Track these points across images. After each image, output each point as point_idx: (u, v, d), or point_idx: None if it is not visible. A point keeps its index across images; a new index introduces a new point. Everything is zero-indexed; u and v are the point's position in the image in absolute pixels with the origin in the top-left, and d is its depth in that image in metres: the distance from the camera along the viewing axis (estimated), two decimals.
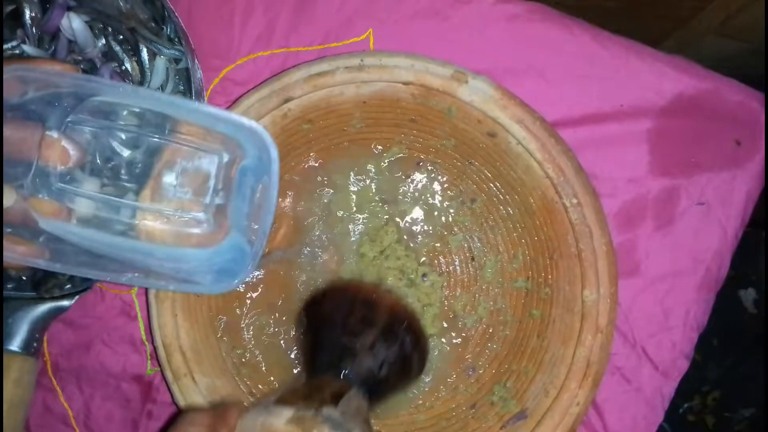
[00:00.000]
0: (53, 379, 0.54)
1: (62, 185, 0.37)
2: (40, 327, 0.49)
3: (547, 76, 0.50)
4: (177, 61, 0.51)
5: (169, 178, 0.39)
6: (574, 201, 0.42)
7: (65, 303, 0.50)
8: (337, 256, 0.51)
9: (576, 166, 0.43)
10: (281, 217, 0.50)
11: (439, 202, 0.50)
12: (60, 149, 0.36)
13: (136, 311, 0.54)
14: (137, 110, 0.38)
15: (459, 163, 0.48)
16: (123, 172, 0.39)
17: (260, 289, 0.50)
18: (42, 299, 0.49)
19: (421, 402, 0.48)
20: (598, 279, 0.42)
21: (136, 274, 0.39)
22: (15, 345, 0.48)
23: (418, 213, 0.50)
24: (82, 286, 0.50)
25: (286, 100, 0.45)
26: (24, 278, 0.50)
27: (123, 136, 0.38)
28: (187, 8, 0.53)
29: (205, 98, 0.52)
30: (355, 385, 0.39)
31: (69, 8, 0.50)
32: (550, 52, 0.50)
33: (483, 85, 0.43)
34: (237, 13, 0.53)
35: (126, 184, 0.39)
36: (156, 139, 0.39)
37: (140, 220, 0.39)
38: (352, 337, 0.42)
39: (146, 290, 0.48)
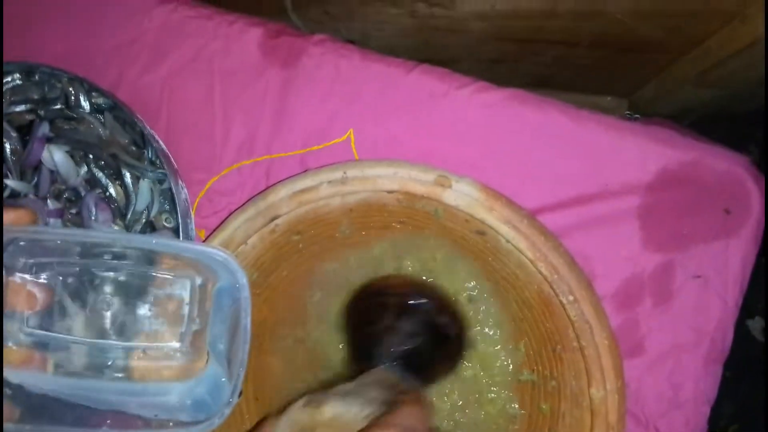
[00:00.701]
0: None
1: (31, 330, 0.36)
2: None
3: (529, 162, 0.50)
4: (161, 181, 0.51)
5: (143, 310, 0.39)
6: (571, 298, 0.42)
7: None
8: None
9: (569, 261, 0.43)
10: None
11: None
12: (26, 294, 0.35)
13: None
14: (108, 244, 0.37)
15: (452, 260, 0.48)
16: (100, 309, 0.38)
17: None
18: None
19: None
20: (603, 375, 0.42)
21: (111, 426, 0.36)
22: None
23: None
24: None
25: (273, 218, 0.45)
26: None
27: (96, 274, 0.37)
28: (165, 125, 0.54)
29: (192, 214, 0.52)
30: (386, 363, 0.41)
31: (48, 140, 0.50)
32: (531, 137, 0.50)
33: (467, 187, 0.43)
34: (217, 126, 0.53)
35: (105, 322, 0.38)
36: (131, 271, 0.38)
37: (117, 358, 0.38)
38: (372, 325, 0.45)
39: None
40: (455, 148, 0.51)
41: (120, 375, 0.37)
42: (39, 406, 0.35)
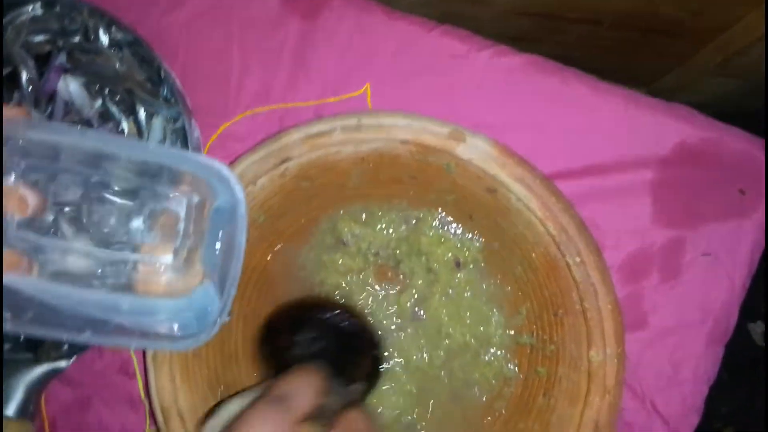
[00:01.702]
0: None
1: (20, 234, 0.35)
2: (36, 390, 0.49)
3: (546, 129, 0.50)
4: (174, 120, 0.51)
5: (137, 222, 0.38)
6: (577, 259, 0.42)
7: (62, 364, 0.49)
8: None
9: (578, 223, 0.42)
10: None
11: (442, 255, 0.49)
12: (17, 197, 0.34)
13: (134, 369, 0.53)
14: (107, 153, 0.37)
15: (461, 218, 0.48)
16: (93, 218, 0.37)
17: None
18: (38, 361, 0.49)
19: None
20: (604, 339, 0.42)
21: (95, 333, 0.36)
22: (11, 410, 0.47)
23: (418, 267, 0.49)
24: (79, 345, 0.49)
25: (284, 161, 0.45)
26: (21, 338, 0.49)
27: (92, 181, 0.37)
28: (182, 67, 0.53)
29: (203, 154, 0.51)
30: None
31: (65, 71, 0.50)
32: (549, 104, 0.50)
33: (481, 143, 0.43)
34: (234, 72, 0.53)
35: (97, 232, 0.37)
36: (128, 183, 0.37)
37: (107, 269, 0.37)
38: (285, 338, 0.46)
39: (144, 351, 0.47)
40: (471, 110, 0.50)
41: (110, 286, 0.37)
42: (22, 308, 0.35)
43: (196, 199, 0.38)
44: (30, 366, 0.49)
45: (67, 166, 0.36)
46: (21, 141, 0.33)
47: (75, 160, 0.35)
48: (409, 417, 0.49)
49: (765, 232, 0.49)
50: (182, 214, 0.38)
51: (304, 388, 0.35)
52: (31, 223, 0.35)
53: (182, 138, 0.50)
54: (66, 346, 0.49)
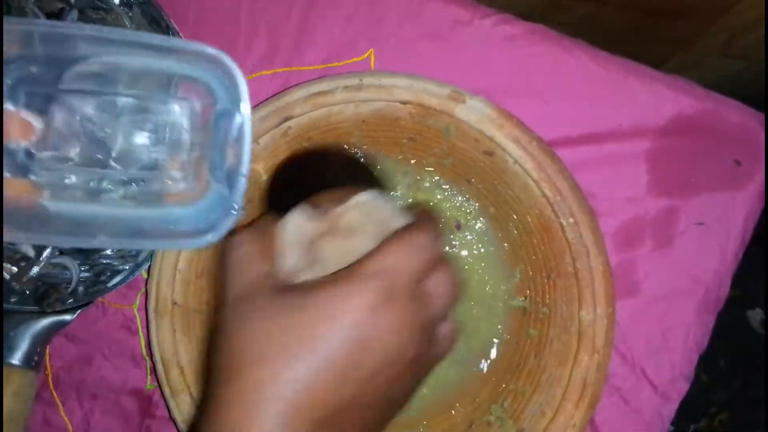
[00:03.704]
0: (54, 392, 0.54)
1: (25, 160, 0.35)
2: (41, 341, 0.50)
3: (545, 97, 0.51)
4: None
5: (141, 138, 0.38)
6: (571, 220, 0.43)
7: (67, 317, 0.51)
8: None
9: (573, 185, 0.43)
10: None
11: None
12: (19, 121, 0.34)
13: (137, 326, 0.54)
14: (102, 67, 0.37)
15: (458, 181, 0.49)
16: (97, 137, 0.37)
17: None
18: (44, 313, 0.50)
19: (416, 420, 0.47)
20: (594, 299, 0.42)
21: (108, 237, 0.37)
22: (16, 359, 0.48)
23: None
24: (84, 300, 0.50)
25: (286, 119, 0.46)
26: (27, 292, 0.51)
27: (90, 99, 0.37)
28: (191, 28, 0.54)
29: None
30: None
31: None
32: (549, 72, 0.51)
33: (480, 104, 0.44)
34: (241, 35, 0.54)
35: (103, 150, 0.37)
36: (124, 98, 0.37)
37: (117, 186, 0.38)
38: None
39: (146, 306, 0.49)
40: (473, 76, 0.51)
41: (121, 201, 0.37)
42: (33, 219, 0.35)
43: (198, 106, 0.37)
44: (36, 318, 0.50)
45: (69, 86, 0.36)
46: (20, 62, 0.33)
47: (75, 75, 0.36)
48: None
49: (758, 217, 0.50)
50: (186, 124, 0.38)
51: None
52: (38, 147, 0.36)
53: None
54: (71, 300, 0.50)
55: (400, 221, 0.35)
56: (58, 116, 0.36)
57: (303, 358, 0.29)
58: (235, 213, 0.36)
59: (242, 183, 0.35)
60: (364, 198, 0.35)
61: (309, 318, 0.30)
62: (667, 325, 0.49)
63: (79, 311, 0.51)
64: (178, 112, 0.37)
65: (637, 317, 0.49)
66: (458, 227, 0.49)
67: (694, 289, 0.49)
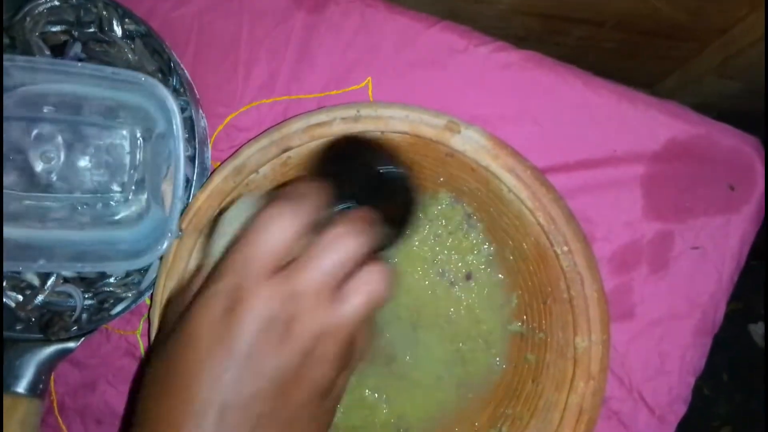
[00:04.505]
0: (59, 418, 0.55)
1: None
2: (46, 369, 0.51)
3: (541, 123, 0.51)
4: (183, 110, 0.52)
5: (83, 161, 0.38)
6: (565, 248, 0.43)
7: (71, 345, 0.51)
8: None
9: (567, 213, 0.44)
10: None
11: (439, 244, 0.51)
12: None
13: (140, 352, 0.55)
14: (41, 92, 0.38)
15: (456, 208, 0.49)
16: (40, 162, 0.38)
17: None
18: (49, 341, 0.51)
19: None
20: (589, 326, 0.43)
21: (47, 261, 0.37)
22: (21, 387, 0.49)
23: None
24: (87, 328, 0.51)
25: (285, 150, 0.47)
26: (32, 320, 0.51)
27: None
28: (192, 58, 0.55)
29: (209, 145, 0.53)
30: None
31: (80, 60, 0.52)
32: (545, 99, 0.51)
33: (475, 135, 0.44)
34: (241, 63, 0.55)
35: (46, 175, 0.38)
36: (66, 122, 0.38)
37: (60, 210, 0.38)
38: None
39: (148, 332, 0.49)
40: (469, 103, 0.52)
41: (63, 224, 0.38)
42: None
43: (139, 130, 0.38)
44: (41, 346, 0.51)
45: (11, 112, 0.36)
46: None
47: (17, 103, 0.36)
48: None
49: (760, 230, 0.51)
50: (127, 146, 0.38)
51: (315, 192, 0.34)
52: None
53: (189, 127, 0.52)
54: (75, 328, 0.51)
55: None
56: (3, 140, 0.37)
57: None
58: (171, 236, 0.36)
59: (177, 206, 0.36)
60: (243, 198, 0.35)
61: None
62: (663, 348, 0.50)
63: (83, 339, 0.52)
64: (119, 136, 0.38)
65: (634, 341, 0.50)
66: (468, 277, 0.50)
67: (691, 312, 0.50)
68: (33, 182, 0.38)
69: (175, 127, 0.35)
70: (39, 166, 0.38)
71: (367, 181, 0.43)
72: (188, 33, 0.56)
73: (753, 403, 1.00)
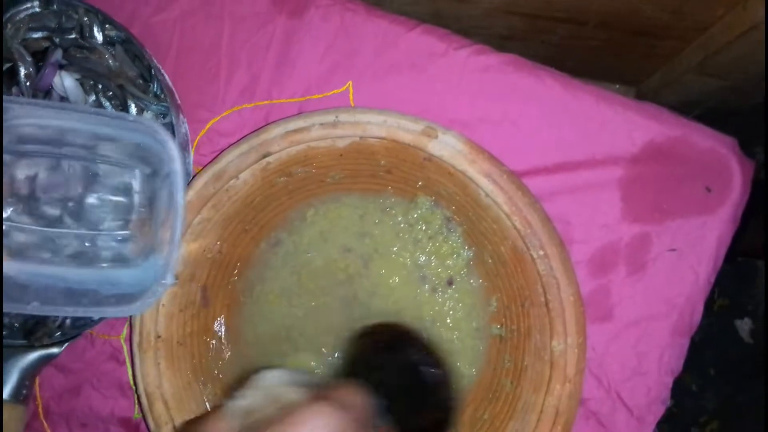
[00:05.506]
0: (44, 422, 0.56)
1: None
2: (30, 375, 0.51)
3: (520, 126, 0.52)
4: (164, 115, 0.53)
5: (92, 199, 0.39)
6: (541, 252, 0.44)
7: (55, 350, 0.52)
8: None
9: (543, 217, 0.44)
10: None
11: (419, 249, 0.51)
12: None
13: (124, 356, 0.55)
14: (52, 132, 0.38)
15: (436, 212, 0.50)
16: (51, 197, 0.38)
17: None
18: (32, 347, 0.51)
19: None
20: (565, 329, 0.43)
21: (40, 304, 0.38)
22: (5, 393, 0.49)
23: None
24: (71, 333, 0.51)
25: (265, 155, 0.47)
26: (16, 326, 0.52)
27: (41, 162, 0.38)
28: (173, 63, 0.55)
29: (191, 150, 0.53)
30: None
31: (61, 66, 0.52)
32: (523, 102, 0.52)
33: (452, 140, 0.45)
34: (222, 68, 0.55)
35: (55, 211, 0.39)
36: (76, 161, 0.38)
37: (67, 245, 0.38)
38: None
39: (131, 337, 0.50)
40: (448, 106, 0.52)
41: (70, 261, 0.38)
42: None
43: (147, 170, 0.38)
44: (24, 352, 0.51)
45: (23, 148, 0.36)
46: None
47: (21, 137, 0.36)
48: None
49: (738, 231, 0.51)
50: (136, 186, 0.39)
51: (360, 408, 0.34)
52: None
53: (170, 132, 0.52)
54: (58, 333, 0.51)
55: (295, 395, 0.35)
56: (14, 175, 0.37)
57: None
58: (165, 283, 0.36)
59: (174, 254, 0.36)
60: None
61: None
62: (641, 349, 0.50)
63: (66, 344, 0.52)
64: (129, 176, 0.38)
65: (612, 342, 0.50)
66: (450, 283, 0.50)
67: (668, 313, 0.50)
68: (43, 216, 0.38)
69: (174, 174, 0.36)
70: (48, 202, 0.38)
71: (409, 383, 0.44)
72: (169, 38, 0.56)
73: (740, 397, 1.01)
